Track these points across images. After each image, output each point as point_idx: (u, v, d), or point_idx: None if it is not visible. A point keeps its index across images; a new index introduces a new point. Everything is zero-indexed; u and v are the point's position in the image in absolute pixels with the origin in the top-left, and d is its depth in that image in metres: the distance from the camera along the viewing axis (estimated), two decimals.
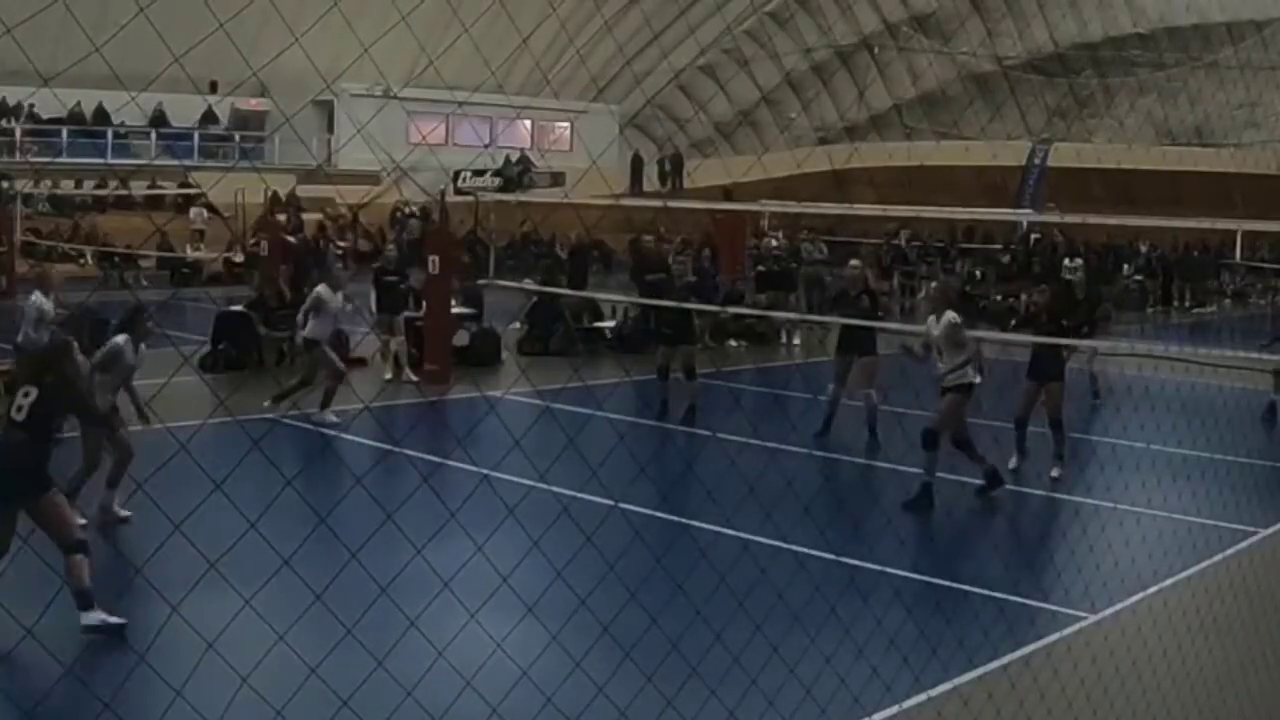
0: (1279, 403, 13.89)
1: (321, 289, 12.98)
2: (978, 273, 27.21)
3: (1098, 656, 6.46)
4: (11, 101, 33.48)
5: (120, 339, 8.91)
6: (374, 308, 15.68)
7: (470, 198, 27.08)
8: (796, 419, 12.28)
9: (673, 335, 13.42)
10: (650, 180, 40.75)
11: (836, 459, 11.36)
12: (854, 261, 13.58)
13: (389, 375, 15.33)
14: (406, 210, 27.96)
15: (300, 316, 13.06)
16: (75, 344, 7.81)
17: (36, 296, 11.58)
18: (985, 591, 7.48)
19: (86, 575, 6.51)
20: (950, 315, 10.06)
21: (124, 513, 8.72)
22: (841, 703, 5.48)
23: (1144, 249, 30.38)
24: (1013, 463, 11.00)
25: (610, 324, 19.23)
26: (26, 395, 6.80)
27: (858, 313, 12.17)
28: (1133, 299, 28.51)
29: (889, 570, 7.92)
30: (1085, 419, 13.67)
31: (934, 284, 11.61)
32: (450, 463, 10.02)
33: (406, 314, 15.62)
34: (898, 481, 10.56)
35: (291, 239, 21.91)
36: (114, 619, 6.56)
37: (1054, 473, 10.79)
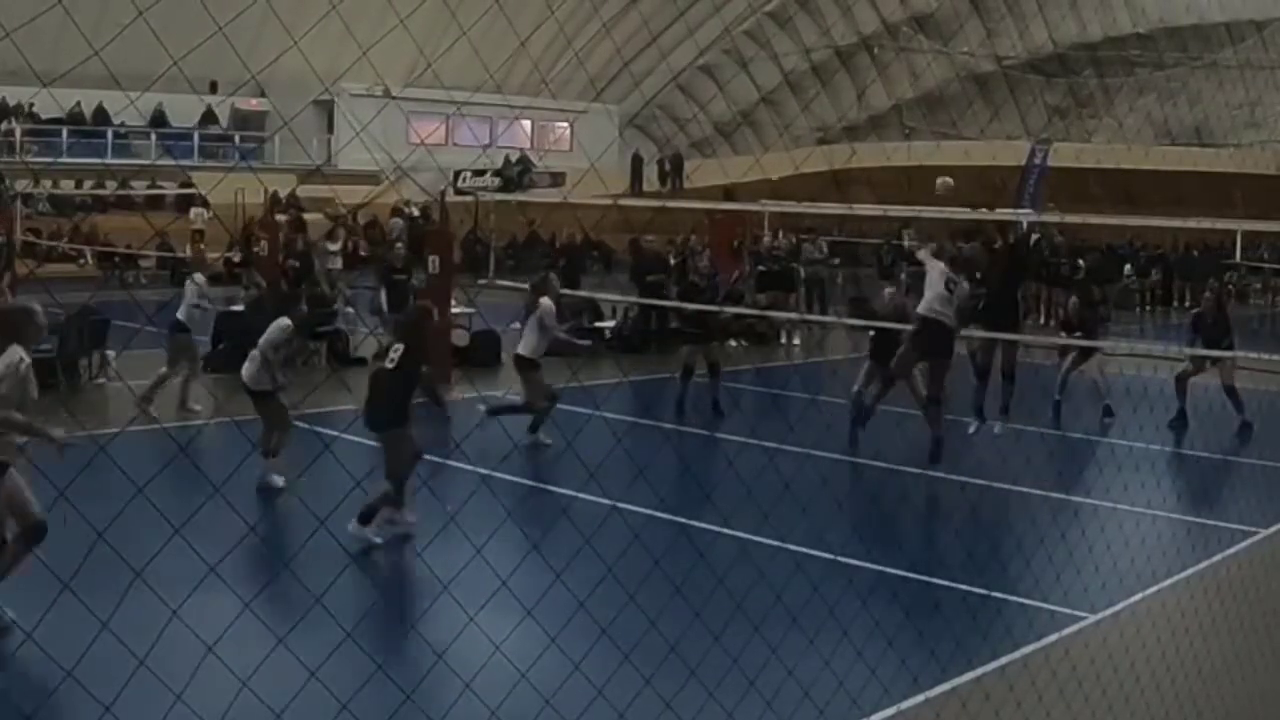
0: (1186, 409, 13.41)
1: (545, 300, 11.91)
2: (977, 274, 27.16)
3: (1096, 657, 6.46)
4: (11, 102, 33.49)
5: (287, 321, 9.95)
6: (384, 306, 15.67)
7: (470, 198, 27.08)
8: (796, 419, 12.28)
9: (702, 334, 13.56)
10: (650, 180, 40.75)
11: (835, 459, 11.34)
12: (889, 290, 13.65)
13: None
14: (405, 211, 27.97)
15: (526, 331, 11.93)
16: (434, 311, 9.94)
17: (198, 276, 13.27)
18: (984, 592, 7.48)
19: (383, 503, 8.17)
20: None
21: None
22: (840, 704, 5.48)
23: (1139, 249, 30.35)
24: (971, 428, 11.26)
25: (610, 324, 19.23)
26: (396, 350, 8.72)
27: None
28: (1132, 299, 28.54)
29: (887, 570, 7.92)
30: (1088, 424, 13.63)
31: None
32: (450, 463, 10.02)
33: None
34: (897, 482, 10.57)
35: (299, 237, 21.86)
36: (377, 539, 7.98)
37: (931, 469, 10.81)
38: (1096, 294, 15.85)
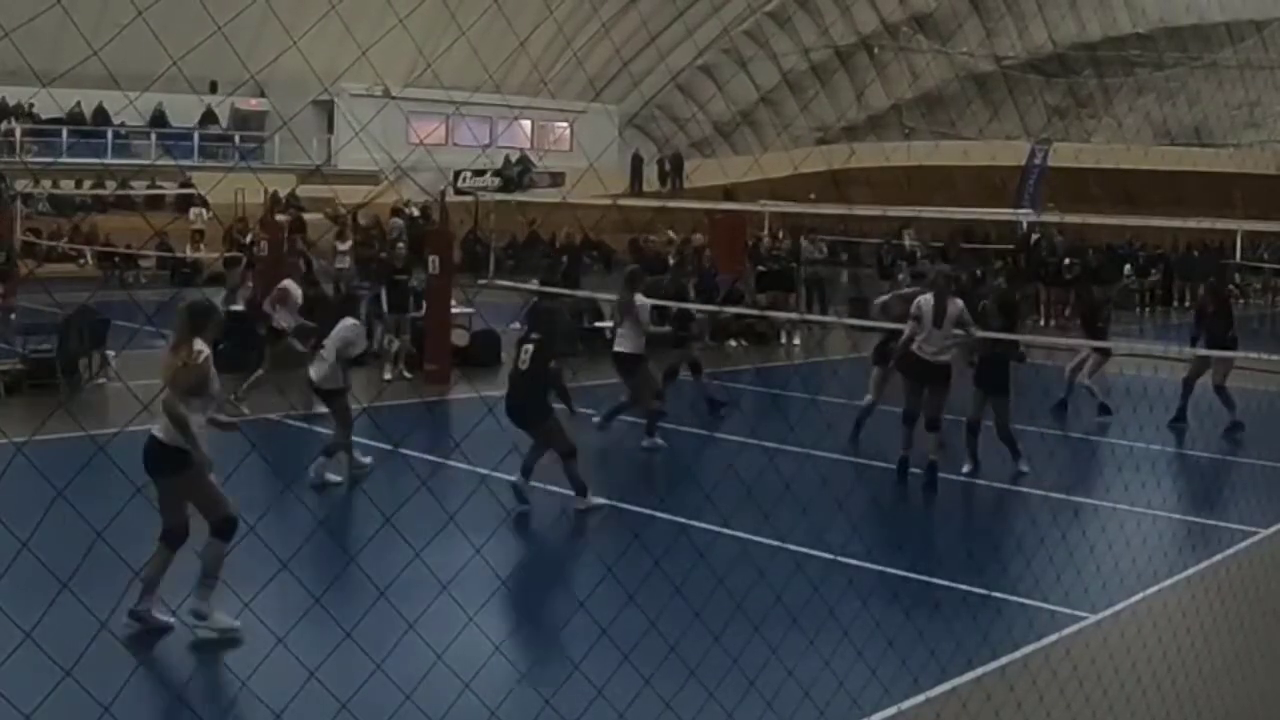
0: (1187, 409, 13.35)
1: (640, 297, 11.85)
2: (978, 272, 27.21)
3: (1096, 657, 6.46)
4: (11, 102, 33.47)
5: (354, 320, 10.29)
6: (385, 307, 15.67)
7: (470, 198, 27.07)
8: (796, 419, 12.28)
9: (684, 337, 13.57)
10: (650, 181, 40.72)
11: (835, 459, 11.35)
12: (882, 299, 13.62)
13: (389, 375, 15.33)
14: (405, 211, 27.94)
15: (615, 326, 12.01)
16: (565, 310, 10.47)
17: (291, 285, 13.76)
18: (984, 592, 7.48)
19: (578, 471, 9.10)
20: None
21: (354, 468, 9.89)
22: (840, 704, 5.48)
23: (1139, 249, 30.36)
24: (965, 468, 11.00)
25: (610, 324, 19.19)
26: (526, 350, 9.28)
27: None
28: (1132, 299, 28.56)
29: (888, 570, 7.92)
30: (1088, 424, 13.63)
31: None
32: (449, 463, 10.01)
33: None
34: (896, 481, 10.56)
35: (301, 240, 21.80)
36: (599, 500, 9.11)
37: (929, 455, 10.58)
38: (1098, 294, 15.83)
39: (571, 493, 9.27)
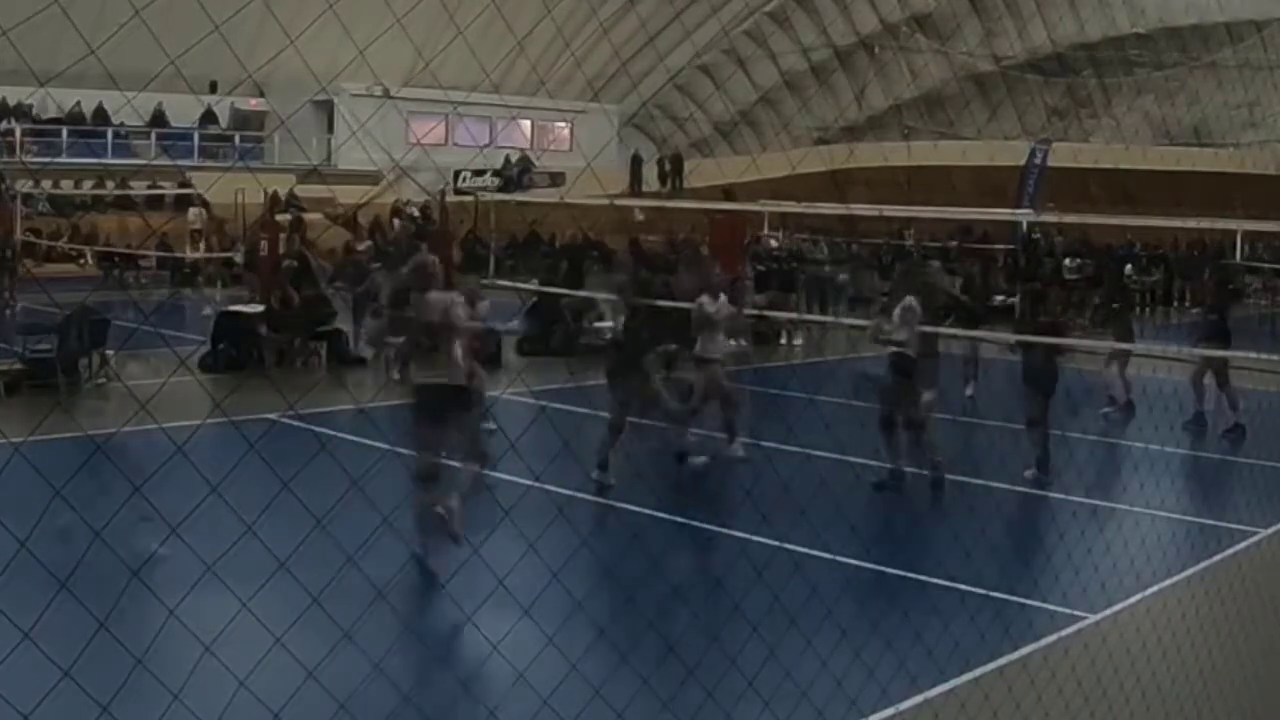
0: (1207, 413, 13.38)
1: (705, 299, 11.67)
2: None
3: (1096, 658, 6.45)
4: (11, 102, 33.47)
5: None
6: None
7: (470, 198, 27.08)
8: (795, 419, 12.26)
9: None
10: (649, 181, 40.69)
11: (835, 459, 11.34)
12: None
13: (397, 375, 15.31)
14: (404, 211, 27.91)
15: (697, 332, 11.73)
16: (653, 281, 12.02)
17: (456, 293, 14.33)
18: (983, 592, 7.47)
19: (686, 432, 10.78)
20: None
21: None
22: (838, 704, 5.47)
23: (1141, 249, 30.36)
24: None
25: (610, 324, 19.20)
26: (619, 319, 10.69)
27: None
28: (1132, 299, 28.54)
29: (886, 570, 7.92)
30: (1086, 424, 13.62)
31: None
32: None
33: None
34: (895, 489, 10.55)
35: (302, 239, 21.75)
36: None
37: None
38: (1102, 294, 15.86)
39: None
